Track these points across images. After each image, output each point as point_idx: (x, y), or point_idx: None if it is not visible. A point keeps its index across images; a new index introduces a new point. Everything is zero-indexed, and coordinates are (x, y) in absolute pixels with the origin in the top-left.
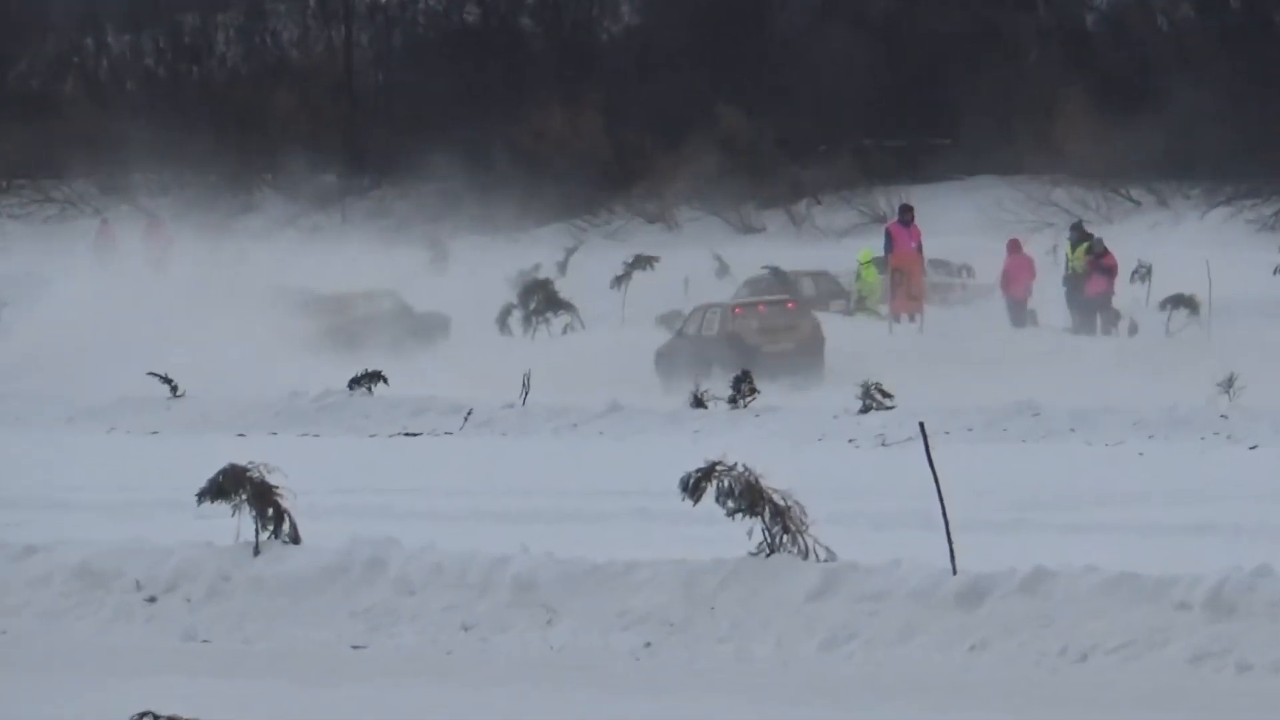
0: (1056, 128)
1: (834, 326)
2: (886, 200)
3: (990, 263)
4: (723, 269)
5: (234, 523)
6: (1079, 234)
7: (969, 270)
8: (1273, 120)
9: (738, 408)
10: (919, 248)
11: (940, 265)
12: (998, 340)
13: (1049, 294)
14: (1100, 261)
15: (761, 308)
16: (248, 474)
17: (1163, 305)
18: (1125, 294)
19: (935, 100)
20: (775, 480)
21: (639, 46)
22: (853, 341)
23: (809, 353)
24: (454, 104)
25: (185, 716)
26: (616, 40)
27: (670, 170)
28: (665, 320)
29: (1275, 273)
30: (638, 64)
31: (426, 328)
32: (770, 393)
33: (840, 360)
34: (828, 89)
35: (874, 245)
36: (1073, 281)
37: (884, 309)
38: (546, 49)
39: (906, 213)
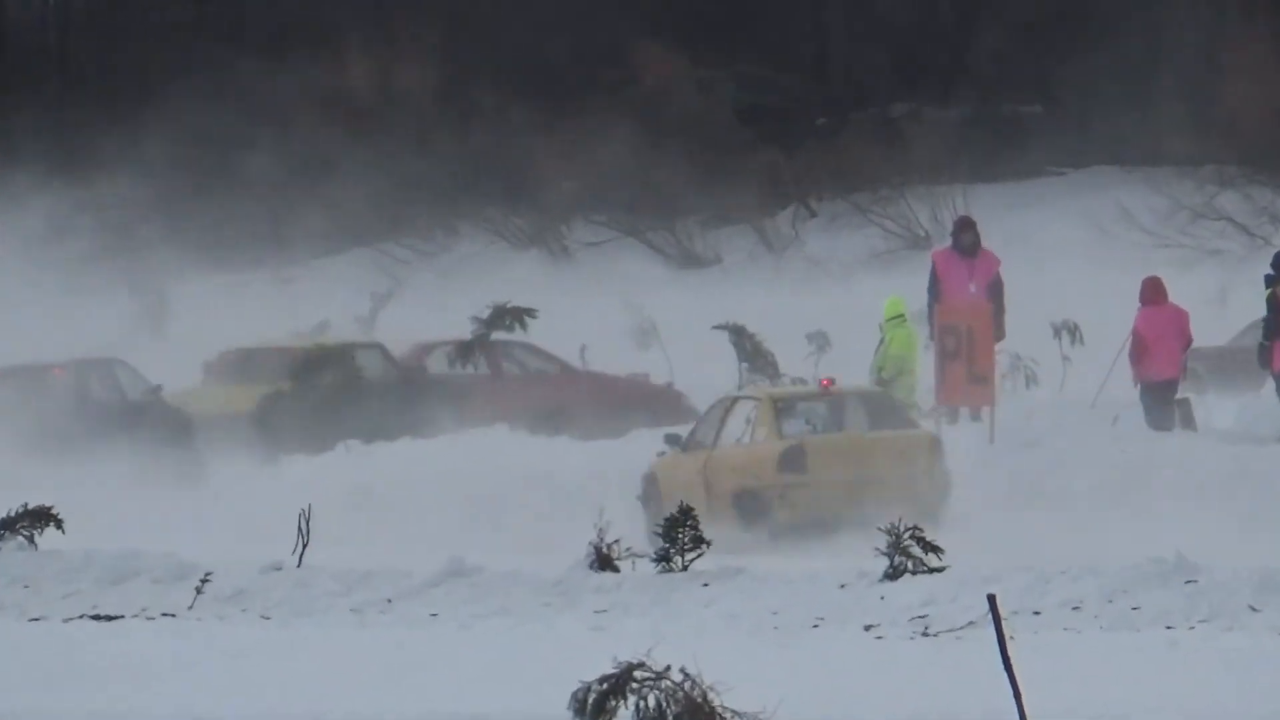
0: (1226, 87)
1: None
2: (933, 209)
3: (1113, 318)
4: (646, 329)
5: None
6: None
7: (1075, 330)
8: None
9: (671, 570)
10: (990, 292)
11: None
12: (1124, 454)
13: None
14: None
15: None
16: None
17: None
18: None
19: (1017, 41)
20: (739, 699)
21: None
22: None
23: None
24: (170, 54)
25: None
26: None
27: (555, 159)
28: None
29: None
30: None
31: (152, 423)
32: (729, 544)
33: None
34: (832, 21)
35: (910, 289)
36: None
37: (927, 399)
38: None
39: (965, 232)
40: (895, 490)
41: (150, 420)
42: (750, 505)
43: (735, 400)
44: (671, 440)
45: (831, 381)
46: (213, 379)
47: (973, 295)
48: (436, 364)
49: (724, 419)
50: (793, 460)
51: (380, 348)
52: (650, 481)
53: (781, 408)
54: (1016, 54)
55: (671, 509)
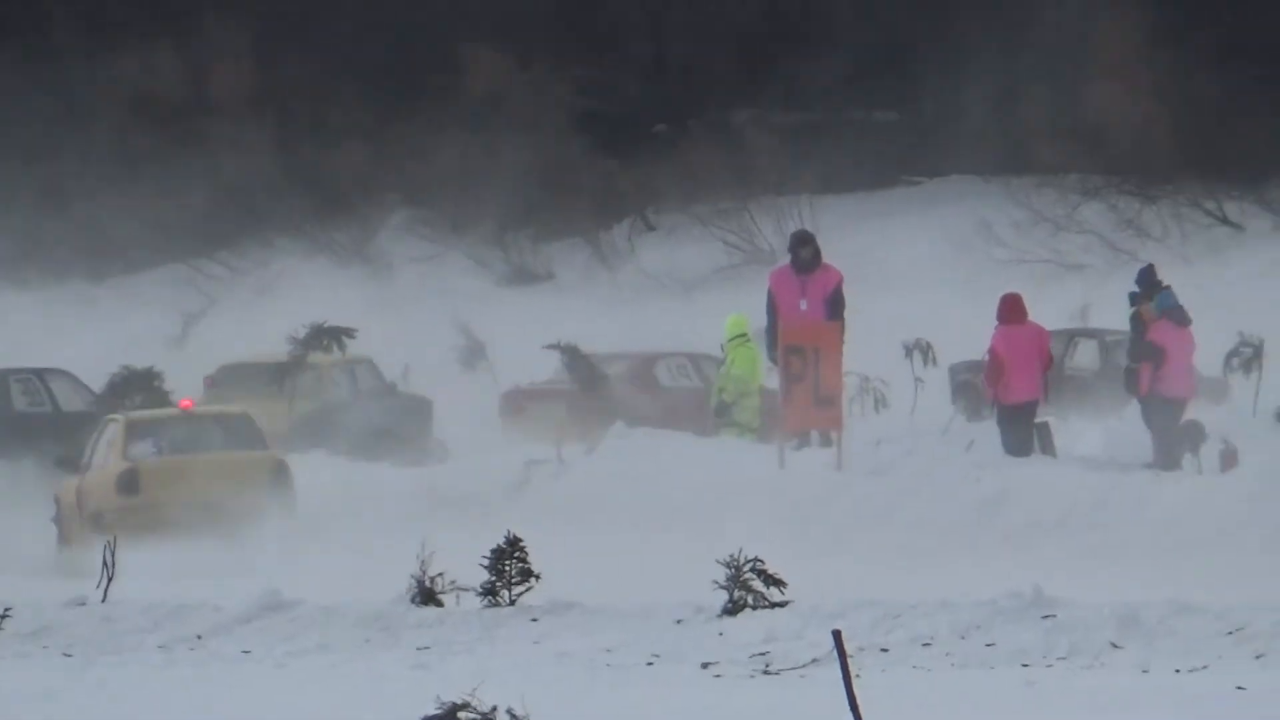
0: (1091, 93)
1: (676, 454)
2: (778, 221)
3: (969, 337)
4: (473, 348)
5: None
6: (1149, 286)
7: (927, 350)
8: None
9: (498, 604)
10: (827, 308)
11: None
12: (979, 483)
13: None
14: (1177, 334)
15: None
16: None
17: None
18: (1211, 393)
19: (870, 44)
20: None
21: None
22: (709, 483)
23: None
24: None
25: None
26: None
27: (379, 169)
28: None
29: None
30: None
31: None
32: (559, 578)
33: (683, 518)
34: (671, 22)
35: (754, 306)
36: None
37: (773, 421)
38: None
39: (801, 247)
40: (233, 511)
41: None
42: (101, 527)
43: (108, 422)
44: (63, 463)
45: (193, 403)
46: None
47: (805, 313)
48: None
49: (98, 441)
50: (127, 483)
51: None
52: (55, 502)
53: (134, 430)
54: (870, 58)
55: (75, 530)
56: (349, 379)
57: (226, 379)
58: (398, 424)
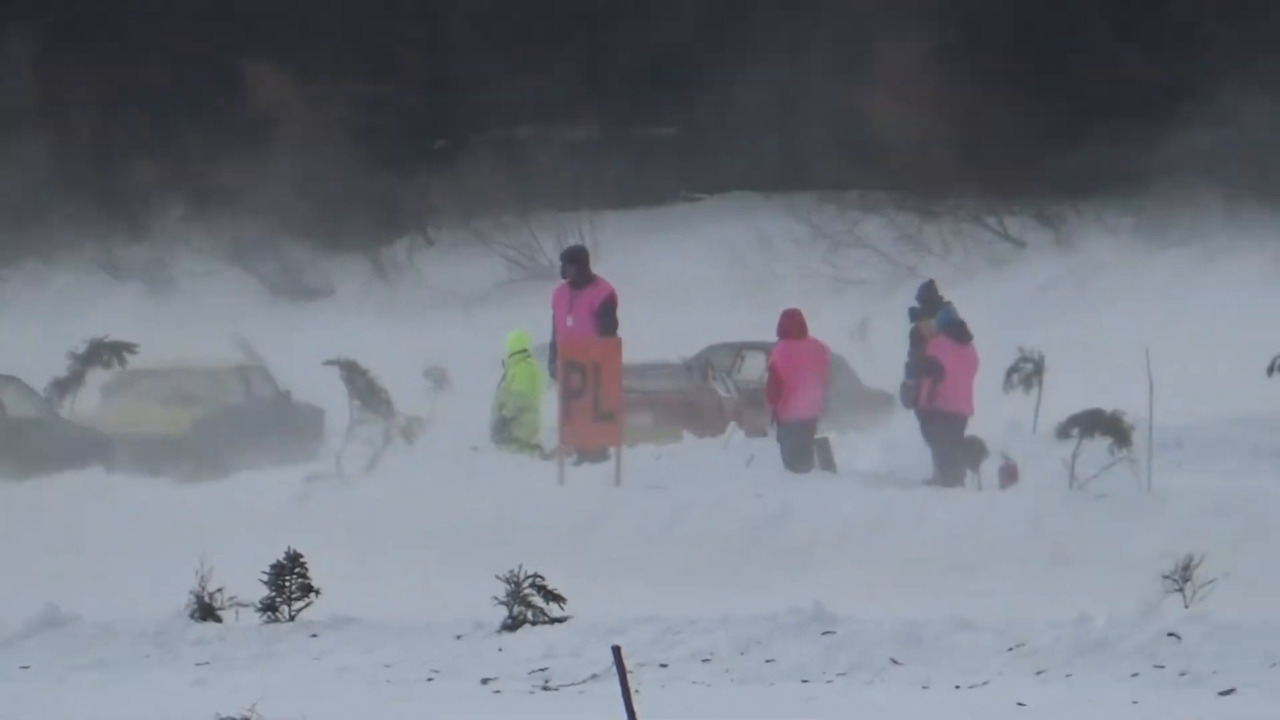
0: (870, 108)
1: (456, 469)
2: (559, 237)
3: (749, 354)
4: (253, 363)
5: None
6: (930, 302)
7: (707, 367)
8: None
9: (278, 620)
10: (596, 322)
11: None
12: (759, 498)
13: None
14: (956, 350)
15: None
16: None
17: (1065, 431)
18: (994, 410)
19: (650, 59)
20: None
21: None
22: (489, 499)
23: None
24: None
25: None
26: None
27: (158, 184)
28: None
29: (1271, 371)
30: None
31: None
32: (340, 594)
33: (463, 533)
34: (450, 36)
35: (535, 321)
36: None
37: (549, 440)
38: None
39: (569, 264)
40: None
41: None
42: None
43: None
44: None
45: None
46: None
47: (572, 328)
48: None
49: None
50: None
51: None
52: None
53: None
54: (649, 73)
55: None
56: (243, 385)
57: (120, 384)
58: (292, 431)
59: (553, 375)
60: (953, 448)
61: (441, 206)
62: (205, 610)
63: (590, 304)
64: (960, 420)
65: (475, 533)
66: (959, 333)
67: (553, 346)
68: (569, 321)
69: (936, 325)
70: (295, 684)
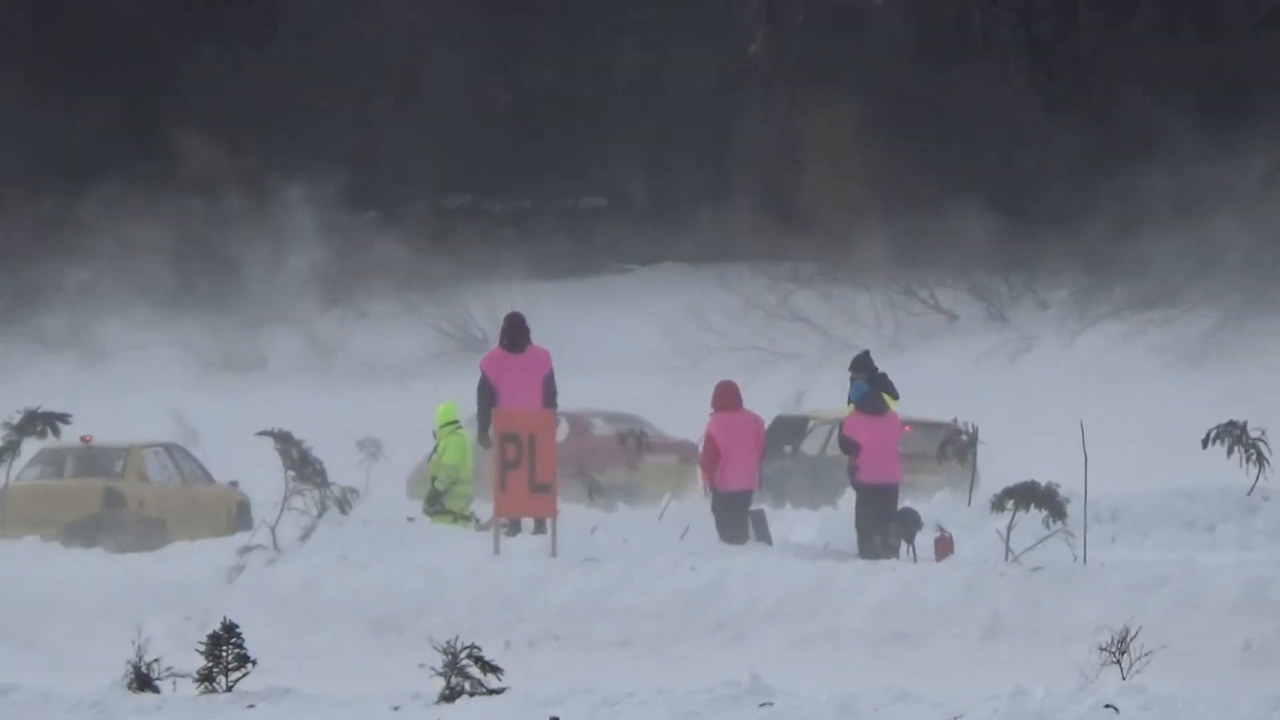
0: (802, 180)
1: (391, 541)
2: (489, 307)
3: (684, 424)
4: (186, 435)
5: None
6: (865, 370)
7: (641, 437)
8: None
9: (215, 690)
10: (547, 391)
11: (615, 417)
12: (694, 571)
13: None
14: (871, 424)
15: None
16: None
17: (999, 503)
18: (922, 481)
19: (579, 131)
20: None
21: None
22: (428, 572)
23: None
24: None
25: None
26: None
27: (88, 253)
28: None
29: (1206, 444)
30: None
31: None
32: (276, 665)
33: (396, 609)
34: (380, 109)
35: (466, 393)
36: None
37: (482, 511)
38: None
39: (512, 331)
40: None
41: None
42: None
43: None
44: None
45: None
46: None
47: (521, 395)
48: None
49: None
50: None
51: None
52: None
53: None
54: (578, 145)
55: None
56: (168, 462)
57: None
58: (220, 507)
59: (483, 444)
60: (884, 520)
61: (374, 278)
62: (142, 681)
63: (539, 371)
64: (887, 490)
65: (411, 603)
66: (870, 406)
67: (484, 412)
68: (507, 387)
69: (850, 401)
70: None
